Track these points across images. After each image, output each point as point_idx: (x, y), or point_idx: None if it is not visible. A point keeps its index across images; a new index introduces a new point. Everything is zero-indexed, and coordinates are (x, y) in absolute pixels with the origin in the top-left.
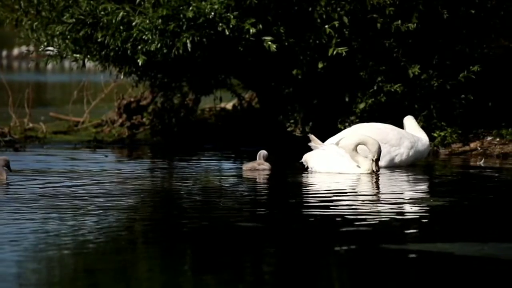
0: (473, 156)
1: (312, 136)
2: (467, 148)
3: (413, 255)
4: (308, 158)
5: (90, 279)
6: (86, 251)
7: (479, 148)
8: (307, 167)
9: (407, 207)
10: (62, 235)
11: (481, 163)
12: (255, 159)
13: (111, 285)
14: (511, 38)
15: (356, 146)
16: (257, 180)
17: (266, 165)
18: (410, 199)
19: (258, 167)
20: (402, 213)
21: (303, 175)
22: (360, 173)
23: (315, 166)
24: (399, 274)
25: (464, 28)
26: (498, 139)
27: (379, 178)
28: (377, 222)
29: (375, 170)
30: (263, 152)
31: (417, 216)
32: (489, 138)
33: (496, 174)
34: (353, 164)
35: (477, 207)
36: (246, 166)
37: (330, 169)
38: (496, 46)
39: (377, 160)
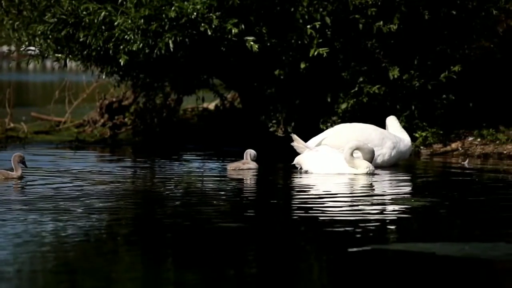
0: (455, 156)
1: (294, 136)
2: (448, 148)
3: (394, 255)
4: (302, 160)
5: (72, 279)
6: (68, 252)
7: (460, 149)
8: (300, 169)
9: (389, 207)
10: (43, 235)
11: (466, 163)
12: (237, 159)
13: (93, 285)
14: (492, 39)
15: (353, 151)
16: (241, 179)
17: (252, 164)
18: (392, 199)
19: (243, 167)
20: (383, 213)
21: (288, 175)
22: (357, 174)
23: (311, 168)
24: (380, 274)
25: (445, 29)
26: (479, 140)
27: (362, 179)
28: (358, 222)
29: (374, 169)
30: (250, 151)
31: (399, 216)
32: (470, 139)
33: (477, 174)
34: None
35: (458, 207)
36: (231, 165)
37: (326, 171)
38: (477, 46)
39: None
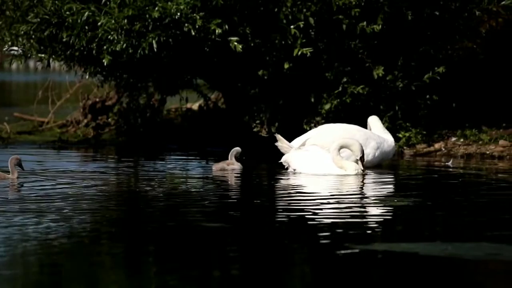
0: (438, 156)
1: (279, 136)
2: (431, 148)
3: (377, 255)
4: (290, 159)
5: (55, 280)
6: (51, 252)
7: (443, 149)
8: (287, 168)
9: (372, 208)
10: (26, 236)
11: (450, 163)
12: (221, 159)
13: (76, 286)
14: (475, 39)
15: (339, 150)
16: (225, 180)
17: (237, 165)
18: (375, 199)
19: (228, 167)
20: (367, 213)
21: (272, 175)
22: (346, 174)
23: (299, 167)
24: (363, 274)
25: (428, 30)
26: (462, 140)
27: (348, 179)
28: (342, 222)
29: (362, 169)
30: (236, 150)
31: (382, 216)
32: (453, 139)
33: (460, 175)
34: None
35: (441, 207)
36: (216, 166)
37: (315, 171)
38: (460, 47)
39: (361, 158)
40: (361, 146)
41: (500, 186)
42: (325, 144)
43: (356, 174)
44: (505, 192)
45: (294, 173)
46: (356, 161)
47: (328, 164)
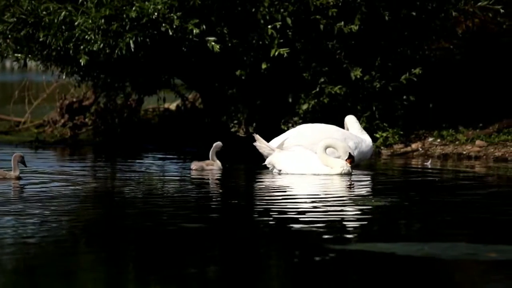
0: (415, 156)
1: (257, 136)
2: (408, 148)
3: (354, 255)
4: (275, 160)
5: (32, 281)
6: (27, 254)
7: (421, 149)
8: (272, 169)
9: (349, 208)
10: (2, 237)
11: (428, 164)
12: (199, 159)
13: (54, 286)
14: (451, 40)
15: (325, 150)
16: (202, 180)
17: (216, 165)
18: (352, 199)
19: (206, 168)
20: (344, 213)
21: (250, 175)
22: (332, 174)
23: (285, 168)
24: (340, 274)
25: (405, 30)
26: (439, 140)
27: (326, 179)
28: (319, 222)
29: (349, 168)
30: (217, 144)
31: (359, 216)
32: (430, 139)
33: (437, 175)
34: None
35: (418, 207)
36: (194, 166)
37: (301, 171)
38: (437, 48)
39: (350, 159)
40: (347, 148)
41: (477, 186)
42: (303, 144)
43: (342, 172)
44: (481, 192)
45: (280, 174)
46: (345, 160)
47: (314, 164)
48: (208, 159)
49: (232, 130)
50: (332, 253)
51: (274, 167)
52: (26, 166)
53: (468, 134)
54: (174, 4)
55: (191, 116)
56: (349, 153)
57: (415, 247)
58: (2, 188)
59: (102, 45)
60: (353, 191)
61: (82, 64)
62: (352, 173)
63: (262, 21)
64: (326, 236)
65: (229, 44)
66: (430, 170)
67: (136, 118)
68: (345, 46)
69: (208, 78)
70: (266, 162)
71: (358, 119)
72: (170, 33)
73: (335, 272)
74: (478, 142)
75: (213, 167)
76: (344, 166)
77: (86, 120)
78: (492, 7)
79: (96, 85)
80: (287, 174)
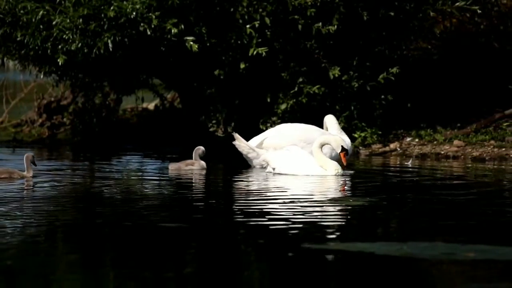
0: (393, 156)
1: (236, 135)
2: (387, 148)
3: (333, 255)
4: (270, 159)
5: (9, 281)
6: (5, 254)
7: (399, 149)
8: (266, 167)
9: (328, 207)
10: None
11: (409, 163)
12: (177, 159)
13: (31, 286)
14: (429, 40)
15: (321, 147)
16: (180, 180)
17: (196, 165)
18: (331, 199)
19: (185, 167)
20: (322, 213)
21: (230, 175)
22: (326, 175)
23: (279, 167)
24: (319, 273)
25: (383, 30)
26: (417, 140)
27: (306, 180)
28: (297, 221)
29: (344, 165)
30: (199, 148)
31: (337, 216)
32: (408, 139)
33: (415, 174)
34: (319, 166)
35: (396, 207)
36: (172, 166)
37: (294, 171)
38: (415, 48)
39: (343, 152)
40: (340, 141)
41: (455, 186)
42: (283, 144)
43: (336, 174)
44: (460, 192)
45: (273, 173)
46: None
47: (308, 165)
48: (188, 159)
49: (211, 129)
50: (311, 253)
51: (268, 165)
52: (36, 165)
53: (446, 134)
54: (153, 3)
55: (170, 116)
56: (342, 146)
57: (394, 246)
58: None
59: (80, 44)
60: (332, 191)
61: (60, 63)
62: (347, 174)
63: (240, 21)
64: (304, 236)
65: (208, 44)
66: (409, 170)
67: (114, 118)
68: (323, 46)
69: (186, 78)
70: (260, 160)
71: (337, 118)
72: (149, 33)
73: (314, 271)
74: (456, 142)
75: (192, 166)
76: (339, 168)
77: (64, 119)
78: (469, 7)
79: (74, 84)
80: (280, 173)
